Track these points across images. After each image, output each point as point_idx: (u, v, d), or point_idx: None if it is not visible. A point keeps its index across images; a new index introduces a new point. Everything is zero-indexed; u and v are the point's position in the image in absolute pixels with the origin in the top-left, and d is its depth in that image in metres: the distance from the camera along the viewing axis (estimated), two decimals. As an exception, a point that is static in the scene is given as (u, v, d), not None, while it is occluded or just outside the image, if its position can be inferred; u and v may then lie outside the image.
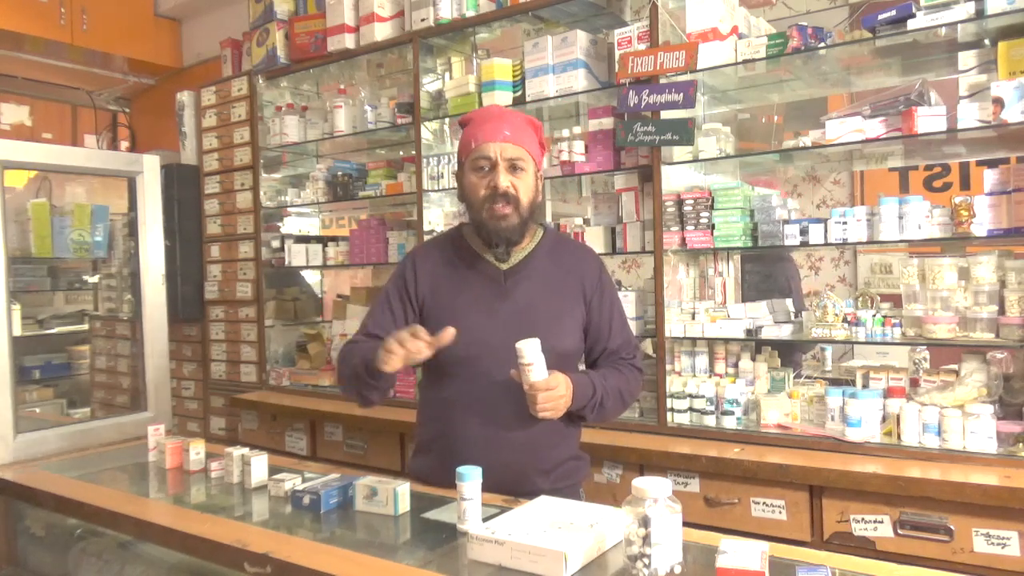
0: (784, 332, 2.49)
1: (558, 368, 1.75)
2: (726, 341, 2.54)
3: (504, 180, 1.69)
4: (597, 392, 1.73)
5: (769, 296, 2.76)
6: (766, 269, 3.04)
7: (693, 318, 2.56)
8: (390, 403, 2.99)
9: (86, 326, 4.36)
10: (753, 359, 2.52)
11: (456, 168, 1.88)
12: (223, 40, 4.06)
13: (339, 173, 3.56)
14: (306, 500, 1.67)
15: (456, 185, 1.88)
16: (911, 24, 2.14)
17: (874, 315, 2.27)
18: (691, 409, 2.47)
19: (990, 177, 2.12)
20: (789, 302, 2.81)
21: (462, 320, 1.73)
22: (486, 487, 1.60)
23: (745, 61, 2.44)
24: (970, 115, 2.09)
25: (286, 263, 3.74)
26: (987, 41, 2.22)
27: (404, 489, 1.63)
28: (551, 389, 1.60)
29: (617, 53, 2.60)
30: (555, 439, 1.77)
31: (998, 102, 2.02)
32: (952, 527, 1.89)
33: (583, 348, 1.84)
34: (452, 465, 1.48)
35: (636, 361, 1.87)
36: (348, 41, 3.32)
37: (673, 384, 2.51)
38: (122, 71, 4.80)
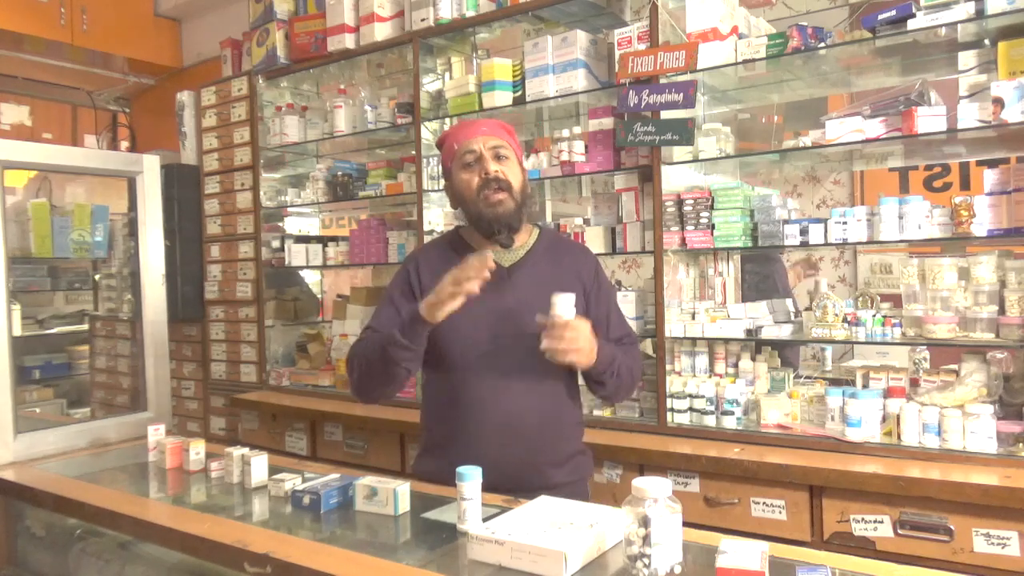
0: (784, 332, 2.49)
1: (558, 364, 1.78)
2: (726, 341, 2.54)
3: (493, 166, 1.77)
4: (616, 358, 1.77)
5: (769, 296, 2.76)
6: (757, 269, 3.04)
7: (693, 318, 2.56)
8: (390, 403, 2.99)
9: (86, 326, 4.37)
10: (753, 359, 2.52)
11: (444, 180, 1.93)
12: (223, 40, 4.06)
13: (339, 173, 3.56)
14: (306, 500, 1.67)
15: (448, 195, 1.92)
16: (911, 24, 2.14)
17: (874, 315, 2.27)
18: (691, 409, 2.47)
19: (990, 177, 2.12)
20: (789, 302, 2.81)
21: (464, 319, 1.75)
22: (500, 484, 1.62)
23: (745, 61, 2.44)
24: (970, 115, 2.09)
25: (286, 263, 3.74)
26: (987, 41, 2.22)
27: (404, 489, 1.63)
28: (576, 329, 1.62)
29: (617, 53, 2.60)
30: (563, 432, 1.81)
31: (998, 102, 2.01)
32: (952, 527, 1.89)
33: None
34: (465, 464, 1.49)
35: (636, 348, 1.92)
36: (348, 41, 3.32)
37: (673, 384, 2.51)
38: (122, 71, 4.80)
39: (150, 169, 2.79)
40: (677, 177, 2.63)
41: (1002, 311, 2.10)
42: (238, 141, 3.89)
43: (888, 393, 2.24)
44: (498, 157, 1.79)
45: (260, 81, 3.78)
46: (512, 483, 1.68)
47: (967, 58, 2.29)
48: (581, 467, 1.86)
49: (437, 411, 1.85)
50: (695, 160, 2.60)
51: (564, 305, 1.60)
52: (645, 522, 1.19)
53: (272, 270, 3.85)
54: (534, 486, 1.68)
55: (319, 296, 4.28)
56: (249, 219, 3.86)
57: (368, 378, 1.77)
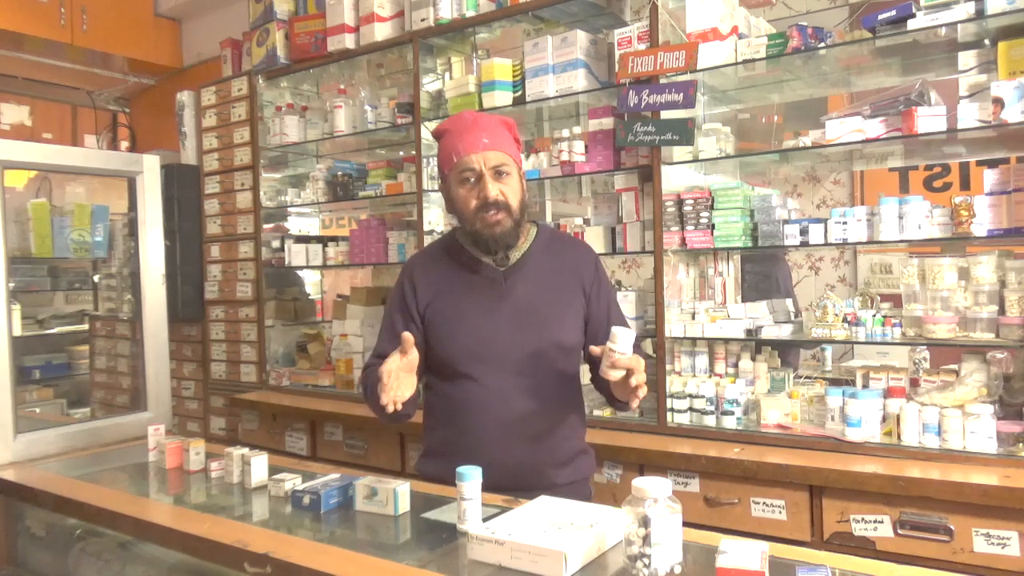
0: (784, 332, 2.49)
1: (560, 364, 1.77)
2: (726, 341, 2.54)
3: (493, 190, 1.70)
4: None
5: (769, 296, 2.76)
6: (759, 269, 3.04)
7: (693, 318, 2.56)
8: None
9: (86, 326, 4.36)
10: (753, 359, 2.52)
11: (439, 180, 1.87)
12: (223, 40, 4.06)
13: (339, 173, 3.56)
14: (306, 500, 1.67)
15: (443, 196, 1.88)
16: (911, 24, 2.14)
17: (874, 315, 2.27)
18: (691, 409, 2.47)
19: (990, 177, 2.12)
20: (789, 302, 2.81)
21: (465, 324, 1.76)
22: (502, 485, 1.62)
23: (745, 61, 2.44)
24: (970, 115, 2.09)
25: (286, 263, 3.74)
26: (987, 41, 2.21)
27: (404, 489, 1.63)
28: (642, 368, 1.56)
29: (617, 53, 2.60)
30: (566, 432, 1.81)
31: (998, 102, 2.01)
32: (952, 527, 1.89)
33: (583, 342, 1.85)
34: (471, 465, 1.49)
35: (639, 350, 1.88)
36: (348, 41, 3.32)
37: (673, 384, 2.51)
38: (122, 71, 4.80)
39: (150, 169, 2.79)
40: (677, 177, 2.63)
41: (1002, 311, 2.10)
42: (238, 141, 3.89)
43: (888, 393, 2.24)
44: (498, 175, 1.71)
45: (260, 81, 3.78)
46: (514, 484, 1.68)
47: (967, 58, 2.29)
48: (583, 467, 1.86)
49: (438, 414, 1.84)
50: (695, 160, 2.60)
51: (624, 341, 1.54)
52: (645, 522, 1.19)
53: (272, 270, 3.85)
54: (536, 486, 1.68)
55: (319, 296, 4.28)
56: (249, 219, 3.86)
57: (380, 415, 1.75)
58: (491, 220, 1.71)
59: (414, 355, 1.62)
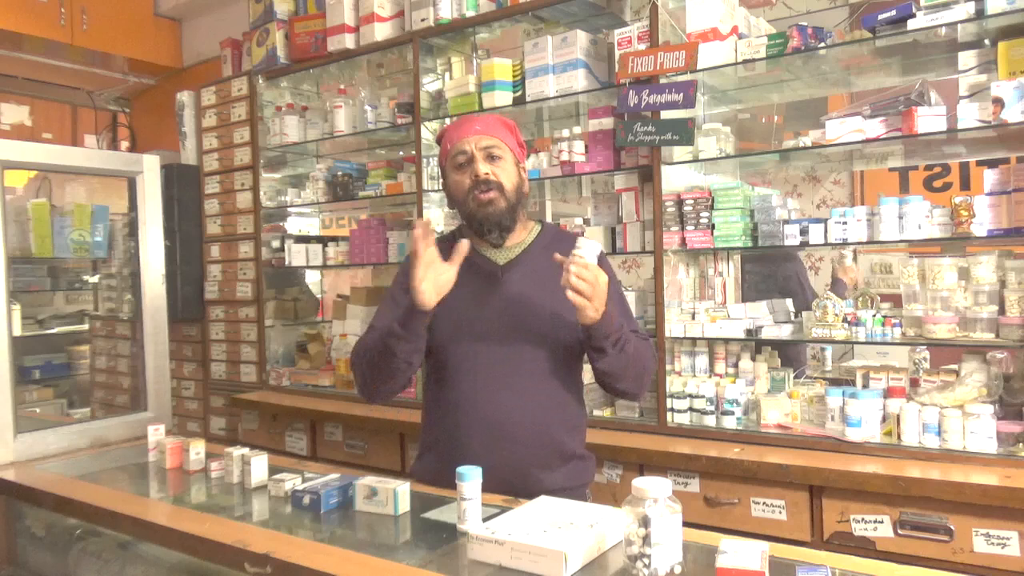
0: (784, 332, 2.49)
1: (556, 364, 1.75)
2: (726, 341, 2.54)
3: (483, 167, 1.73)
4: (623, 328, 1.69)
5: (771, 296, 2.77)
6: (770, 269, 3.04)
7: (693, 318, 2.56)
8: (390, 403, 2.99)
9: (86, 326, 4.36)
10: (753, 359, 2.52)
11: (441, 179, 1.90)
12: (223, 40, 4.07)
13: (339, 173, 3.56)
14: (306, 500, 1.67)
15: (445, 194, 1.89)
16: (911, 24, 2.14)
17: (874, 315, 2.28)
18: (691, 409, 2.47)
19: (990, 177, 2.13)
20: (789, 302, 2.81)
21: (458, 317, 1.74)
22: (492, 487, 1.59)
23: (745, 61, 2.44)
24: (970, 115, 2.09)
25: (286, 263, 3.74)
26: (987, 41, 2.22)
27: (404, 489, 1.63)
28: (596, 275, 1.55)
29: (617, 53, 2.60)
30: (558, 435, 1.76)
31: (998, 102, 2.02)
32: (952, 527, 1.89)
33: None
34: (457, 466, 1.48)
35: (647, 342, 1.84)
36: (348, 41, 3.32)
37: (673, 384, 2.51)
38: (122, 71, 4.80)
39: (150, 169, 2.79)
40: (677, 177, 2.63)
41: (1002, 311, 2.10)
42: (238, 141, 3.89)
43: (888, 393, 2.24)
44: (490, 157, 1.74)
45: (260, 81, 3.78)
46: (503, 487, 1.65)
47: (967, 58, 2.29)
48: (579, 473, 1.80)
49: (433, 413, 1.83)
50: (695, 160, 2.60)
51: (589, 250, 1.55)
52: (645, 522, 1.19)
53: (272, 270, 3.85)
54: (525, 491, 1.64)
55: (319, 296, 4.28)
56: (249, 219, 3.86)
57: (371, 375, 1.73)
58: (483, 199, 1.72)
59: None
